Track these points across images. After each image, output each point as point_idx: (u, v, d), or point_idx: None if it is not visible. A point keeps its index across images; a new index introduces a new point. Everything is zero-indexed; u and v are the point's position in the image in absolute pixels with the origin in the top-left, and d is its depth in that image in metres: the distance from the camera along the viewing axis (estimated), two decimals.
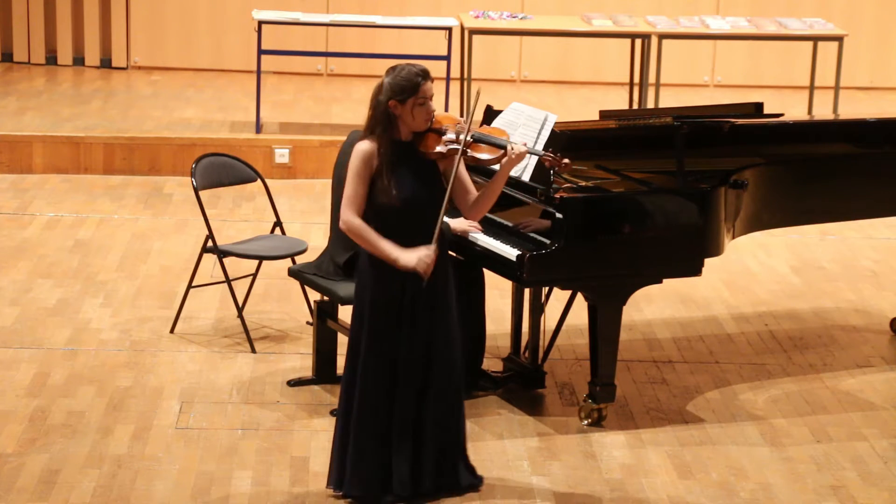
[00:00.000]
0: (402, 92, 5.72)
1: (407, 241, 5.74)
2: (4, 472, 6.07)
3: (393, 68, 5.78)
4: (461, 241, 6.71)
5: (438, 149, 5.79)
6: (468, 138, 5.81)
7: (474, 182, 6.01)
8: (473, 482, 6.04)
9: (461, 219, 6.53)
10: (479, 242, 6.64)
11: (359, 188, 5.73)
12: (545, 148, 6.49)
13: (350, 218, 5.73)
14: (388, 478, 5.85)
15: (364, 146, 5.74)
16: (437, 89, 11.46)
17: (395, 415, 5.83)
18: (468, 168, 5.97)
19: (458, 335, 5.92)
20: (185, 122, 11.33)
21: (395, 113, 5.74)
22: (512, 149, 5.85)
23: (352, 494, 5.86)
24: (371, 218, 5.75)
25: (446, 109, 11.02)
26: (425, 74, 5.77)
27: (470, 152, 5.85)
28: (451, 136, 5.81)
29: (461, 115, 5.88)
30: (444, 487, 5.95)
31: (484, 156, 5.88)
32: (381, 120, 5.73)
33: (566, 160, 5.98)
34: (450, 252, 6.84)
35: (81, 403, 6.77)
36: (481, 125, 6.64)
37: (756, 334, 8.03)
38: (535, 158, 6.56)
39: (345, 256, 6.73)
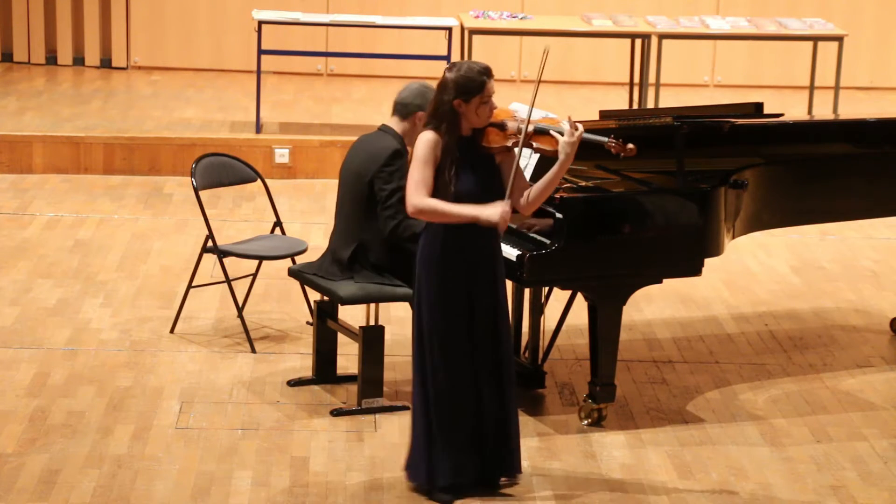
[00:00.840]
0: (468, 91, 5.76)
1: (463, 236, 5.81)
2: (4, 472, 6.07)
3: (453, 65, 5.82)
4: None
5: (502, 143, 5.85)
6: (530, 130, 5.83)
7: None
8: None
9: None
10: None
11: (426, 173, 5.77)
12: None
13: (419, 200, 5.77)
14: (477, 468, 5.95)
15: (430, 135, 5.79)
16: None
17: (484, 409, 5.92)
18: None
19: (510, 326, 6.04)
20: (185, 122, 11.33)
21: (460, 111, 5.78)
22: (572, 133, 5.84)
23: (446, 483, 5.91)
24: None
25: None
26: (489, 73, 5.82)
27: (536, 144, 5.89)
28: (512, 129, 5.84)
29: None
30: (507, 472, 6.06)
31: (547, 146, 5.90)
32: (447, 118, 5.78)
33: (631, 145, 5.98)
34: None
35: (81, 403, 6.77)
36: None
37: (756, 334, 8.03)
38: (535, 158, 6.56)
39: (348, 251, 6.74)
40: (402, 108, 6.68)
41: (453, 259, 5.84)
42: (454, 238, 5.83)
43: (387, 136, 6.68)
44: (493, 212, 5.75)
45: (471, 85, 5.76)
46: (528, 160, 6.59)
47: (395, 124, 6.71)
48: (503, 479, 6.06)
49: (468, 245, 5.84)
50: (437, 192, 5.78)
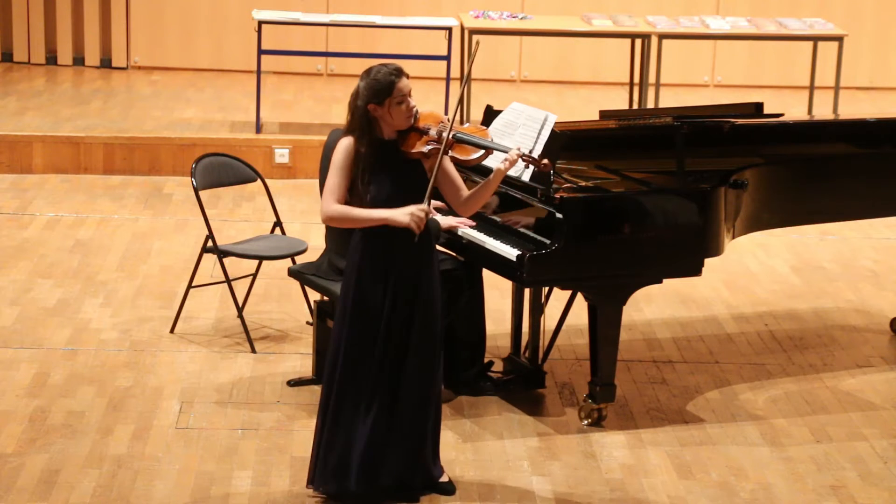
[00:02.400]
0: (378, 94, 5.70)
1: (386, 242, 5.74)
2: (4, 472, 6.07)
3: (367, 71, 5.76)
4: (461, 242, 6.71)
5: (419, 148, 5.77)
6: (450, 137, 5.79)
7: (471, 182, 6.00)
8: (447, 487, 6.02)
9: (450, 216, 6.53)
10: (478, 242, 6.64)
11: (341, 180, 5.71)
12: (544, 149, 6.47)
13: (329, 207, 5.71)
14: (368, 471, 5.84)
15: (347, 142, 5.74)
16: (436, 89, 11.50)
17: (374, 407, 5.81)
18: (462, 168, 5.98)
19: (439, 330, 5.89)
20: (185, 122, 11.33)
21: (375, 115, 5.73)
22: (506, 154, 5.81)
23: (350, 490, 5.86)
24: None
25: (446, 109, 11.03)
26: (399, 72, 5.73)
27: (451, 153, 5.82)
28: (433, 135, 5.80)
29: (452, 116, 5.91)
30: (407, 482, 5.92)
31: (465, 156, 5.85)
32: (360, 124, 5.72)
33: (545, 161, 5.95)
34: (449, 252, 6.86)
35: (81, 403, 6.77)
36: (480, 124, 6.64)
37: (756, 334, 8.03)
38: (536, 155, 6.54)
39: (344, 251, 6.73)
40: None
41: (371, 266, 5.77)
42: (371, 245, 5.77)
43: None
44: (401, 213, 5.67)
45: (380, 87, 5.69)
46: (523, 169, 6.55)
47: None
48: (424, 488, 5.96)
49: (386, 252, 5.76)
50: (352, 201, 5.72)
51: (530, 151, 6.00)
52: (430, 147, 5.76)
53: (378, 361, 5.80)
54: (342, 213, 5.73)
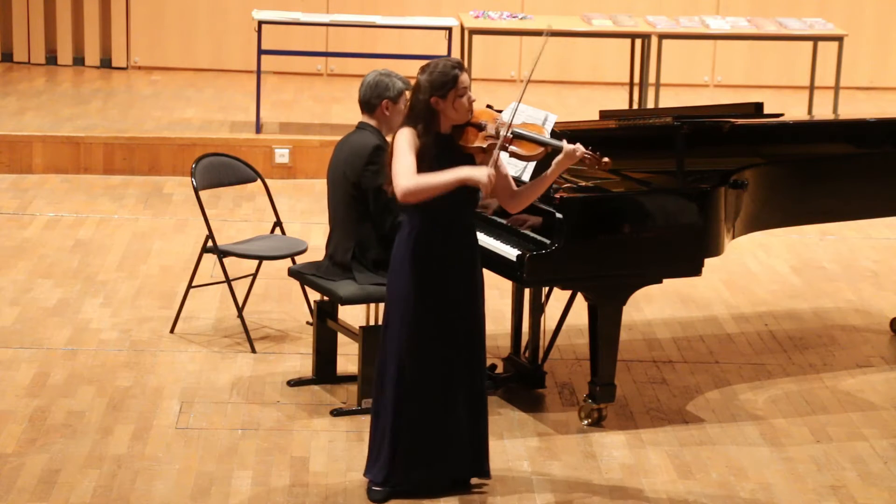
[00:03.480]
0: (443, 87, 5.75)
1: (442, 234, 5.80)
2: (4, 472, 6.07)
3: (427, 66, 5.81)
4: None
5: (477, 143, 5.83)
6: (508, 134, 5.83)
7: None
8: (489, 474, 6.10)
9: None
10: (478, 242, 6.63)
11: (410, 159, 5.70)
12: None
13: (406, 182, 5.67)
14: (443, 468, 5.94)
15: (407, 130, 5.76)
16: None
17: (449, 409, 5.88)
18: None
19: (484, 329, 6.00)
20: (185, 122, 11.33)
21: (437, 108, 5.77)
22: (563, 147, 5.86)
23: (409, 484, 5.91)
24: (409, 209, 5.79)
25: None
26: (461, 66, 5.81)
27: (513, 147, 5.87)
28: (490, 131, 5.83)
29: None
30: (477, 474, 6.04)
31: (523, 152, 5.89)
32: (424, 116, 5.76)
33: (606, 159, 5.98)
34: None
35: (81, 403, 6.77)
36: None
37: (756, 334, 8.03)
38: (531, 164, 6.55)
39: (347, 253, 6.74)
40: (367, 106, 6.73)
41: (427, 260, 5.81)
42: (426, 239, 5.80)
43: (365, 133, 6.70)
44: (479, 171, 5.69)
45: (444, 80, 5.74)
46: (526, 164, 6.58)
47: (368, 119, 6.74)
48: (474, 479, 6.04)
49: (442, 245, 5.81)
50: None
51: (587, 147, 6.02)
52: (488, 143, 5.81)
53: (446, 354, 5.87)
54: (419, 184, 5.67)
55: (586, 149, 5.94)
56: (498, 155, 5.80)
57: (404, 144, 5.75)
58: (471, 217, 5.93)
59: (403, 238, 5.84)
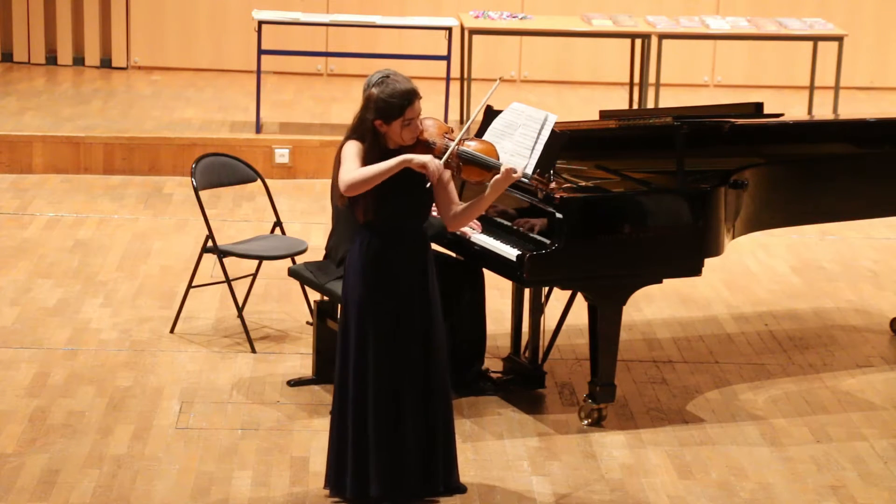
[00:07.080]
0: (387, 115, 5.67)
1: (389, 248, 5.74)
2: (4, 472, 6.07)
3: (382, 80, 5.70)
4: (461, 242, 6.71)
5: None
6: (457, 161, 5.78)
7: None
8: (460, 486, 6.04)
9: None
10: (478, 242, 6.64)
11: (356, 165, 5.63)
12: (542, 158, 6.44)
13: (348, 177, 5.60)
14: (400, 477, 5.82)
15: (356, 146, 5.70)
16: (436, 89, 11.48)
17: (406, 416, 5.80)
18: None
19: (444, 333, 5.91)
20: (185, 122, 11.33)
21: (381, 131, 5.72)
22: (504, 171, 5.79)
23: (370, 495, 5.82)
24: (356, 224, 5.76)
25: (446, 109, 11.03)
26: (412, 97, 5.67)
27: (459, 174, 5.82)
28: (440, 146, 5.76)
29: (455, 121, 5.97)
30: (449, 488, 5.95)
31: (473, 179, 5.85)
32: (369, 136, 5.71)
33: (553, 184, 5.96)
34: (450, 253, 6.86)
35: (81, 403, 6.77)
36: (477, 131, 6.64)
37: (756, 334, 8.03)
38: (535, 156, 6.54)
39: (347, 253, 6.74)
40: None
41: (378, 264, 5.75)
42: (377, 247, 5.74)
43: None
44: (425, 157, 5.61)
45: (390, 109, 5.65)
46: (527, 161, 6.56)
47: None
48: (442, 489, 5.95)
49: (393, 251, 5.74)
50: (357, 206, 5.71)
51: (525, 168, 5.98)
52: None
53: (403, 363, 5.79)
54: (358, 176, 5.59)
55: (537, 174, 5.88)
56: (446, 161, 5.71)
57: (351, 155, 5.66)
58: (420, 226, 5.82)
59: (355, 249, 5.79)
